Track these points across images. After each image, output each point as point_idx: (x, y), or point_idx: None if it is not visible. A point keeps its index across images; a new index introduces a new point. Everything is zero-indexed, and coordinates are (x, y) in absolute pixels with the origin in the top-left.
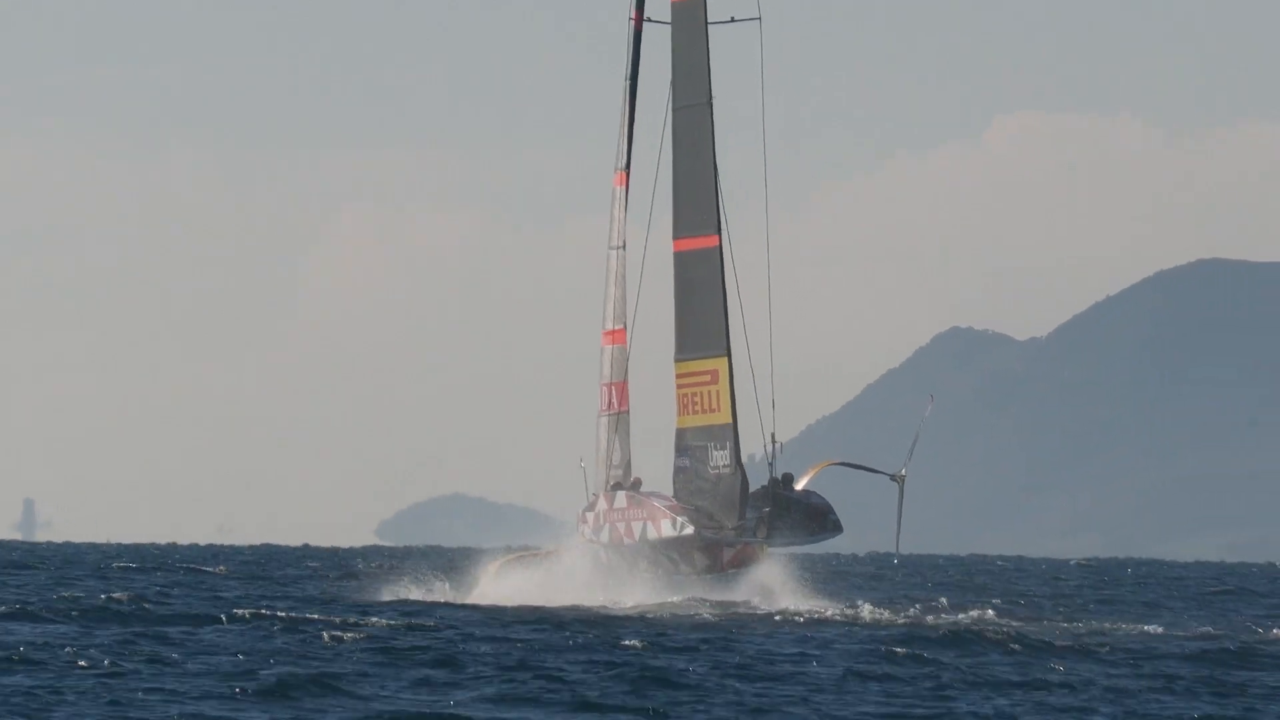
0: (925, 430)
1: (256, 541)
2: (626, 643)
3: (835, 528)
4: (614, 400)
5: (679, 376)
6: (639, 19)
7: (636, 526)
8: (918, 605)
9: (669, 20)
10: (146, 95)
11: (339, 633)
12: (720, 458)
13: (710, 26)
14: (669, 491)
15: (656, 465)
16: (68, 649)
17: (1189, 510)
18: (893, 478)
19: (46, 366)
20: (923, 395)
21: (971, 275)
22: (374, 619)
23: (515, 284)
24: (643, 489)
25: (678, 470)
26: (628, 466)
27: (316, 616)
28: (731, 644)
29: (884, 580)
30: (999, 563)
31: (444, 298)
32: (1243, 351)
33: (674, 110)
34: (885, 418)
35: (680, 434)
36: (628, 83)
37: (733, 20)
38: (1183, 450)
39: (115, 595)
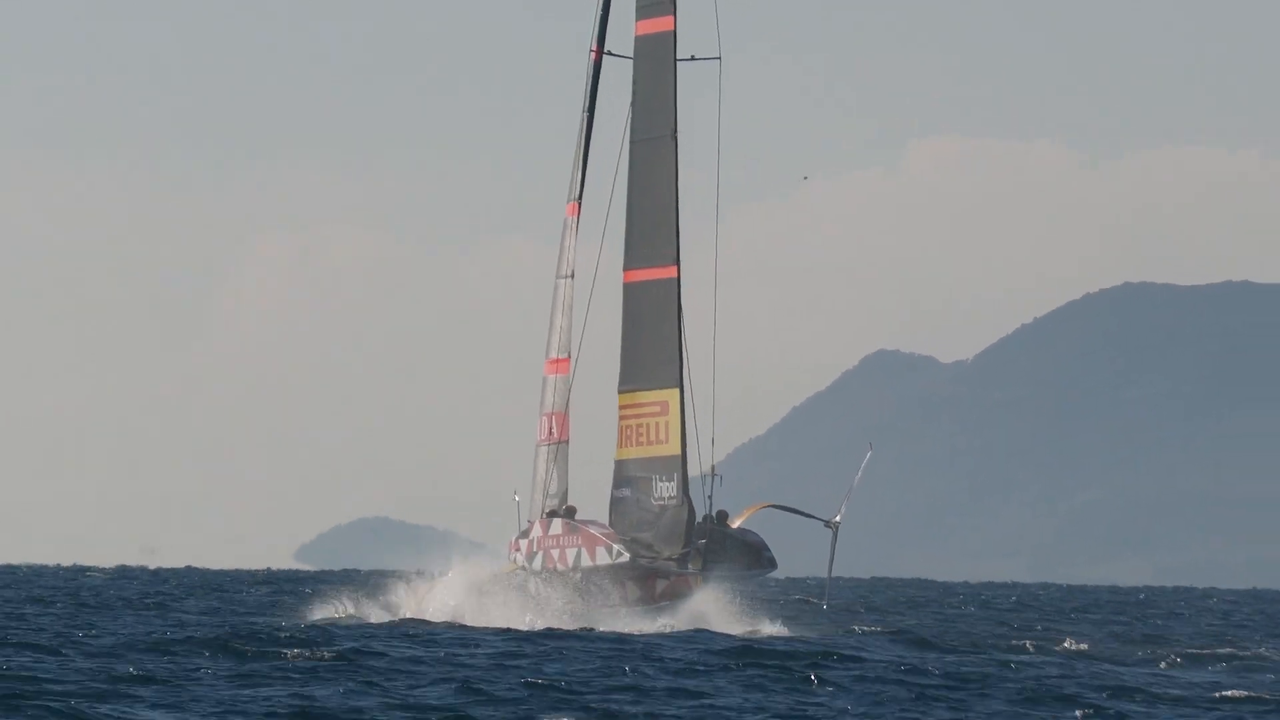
0: (863, 479)
1: (179, 565)
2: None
3: (769, 564)
4: (554, 430)
5: (623, 407)
6: (599, 52)
7: (571, 553)
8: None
9: (630, 54)
10: (59, 114)
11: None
12: (666, 489)
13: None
14: (605, 521)
15: (591, 494)
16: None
17: (1116, 533)
18: (827, 524)
19: None
20: (849, 418)
21: (897, 299)
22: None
23: (429, 307)
24: (577, 517)
25: (616, 501)
26: (564, 496)
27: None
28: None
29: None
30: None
31: (360, 321)
32: (1168, 374)
33: (632, 142)
34: (812, 441)
35: (621, 465)
36: (585, 114)
37: (693, 59)
38: (1109, 472)
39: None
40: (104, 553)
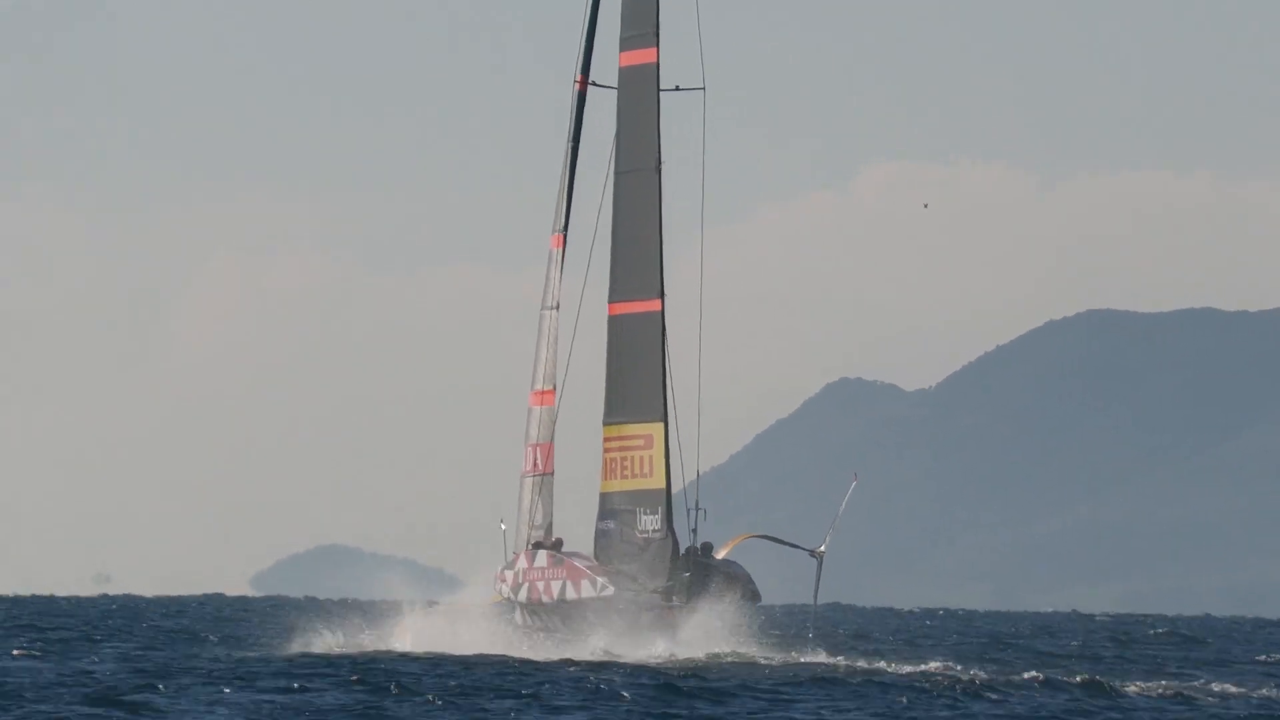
0: (847, 509)
1: (134, 591)
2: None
3: (753, 597)
4: (539, 461)
5: (607, 440)
6: (584, 82)
7: (556, 585)
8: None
9: (614, 85)
10: (4, 136)
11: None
12: (650, 522)
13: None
14: (589, 553)
15: (575, 526)
16: None
17: (1080, 560)
18: (812, 554)
19: None
20: (813, 445)
21: (857, 326)
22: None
23: (386, 335)
24: (564, 549)
25: (600, 533)
26: (549, 527)
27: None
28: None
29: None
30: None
31: (312, 347)
32: (1133, 402)
33: (616, 174)
34: (775, 467)
35: (606, 497)
36: (569, 144)
37: (678, 89)
38: (1074, 501)
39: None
40: (54, 580)
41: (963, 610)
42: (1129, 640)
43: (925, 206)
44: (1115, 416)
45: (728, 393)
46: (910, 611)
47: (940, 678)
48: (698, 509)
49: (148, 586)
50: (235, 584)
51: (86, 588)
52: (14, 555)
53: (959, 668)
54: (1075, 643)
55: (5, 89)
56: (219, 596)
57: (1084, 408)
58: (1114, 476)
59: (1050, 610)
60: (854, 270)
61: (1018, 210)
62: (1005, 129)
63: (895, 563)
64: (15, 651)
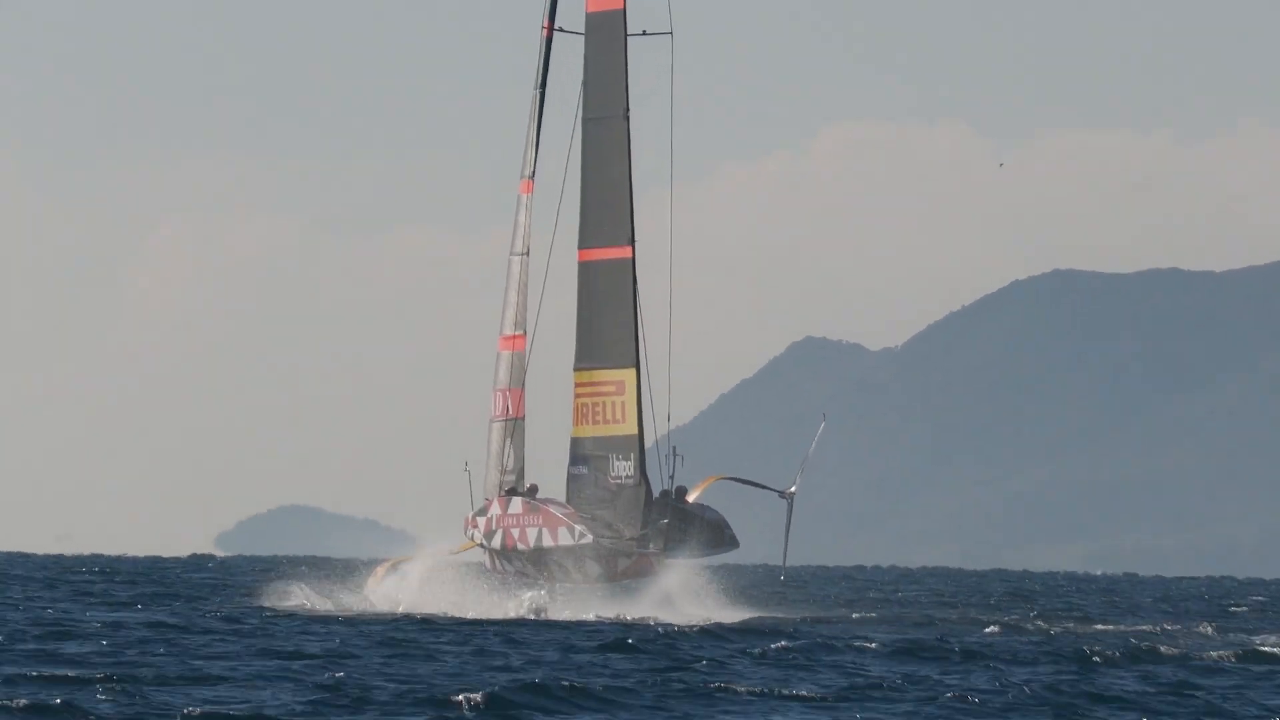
0: (817, 450)
1: (98, 551)
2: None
3: (731, 542)
4: (509, 406)
5: (579, 385)
6: (550, 28)
7: (532, 533)
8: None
9: (582, 31)
10: None
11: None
12: (623, 468)
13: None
14: (562, 499)
15: (547, 472)
16: None
17: (1047, 519)
18: (781, 494)
19: None
20: (778, 405)
21: (822, 286)
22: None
23: (344, 294)
24: (538, 496)
25: (572, 478)
26: (521, 473)
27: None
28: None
29: (787, 591)
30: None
31: (273, 307)
32: (1100, 361)
33: (584, 121)
34: (741, 426)
35: (577, 442)
36: (537, 91)
37: (645, 34)
38: (1042, 459)
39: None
40: (16, 539)
41: (942, 568)
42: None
43: (1001, 165)
44: (1081, 376)
45: (692, 352)
46: (877, 567)
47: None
48: (674, 454)
49: (109, 546)
50: (200, 544)
51: (48, 546)
52: None
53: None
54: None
55: None
56: (209, 557)
57: (1049, 367)
58: (1079, 435)
59: (1021, 570)
60: (817, 230)
61: (978, 171)
62: (966, 90)
63: (861, 522)
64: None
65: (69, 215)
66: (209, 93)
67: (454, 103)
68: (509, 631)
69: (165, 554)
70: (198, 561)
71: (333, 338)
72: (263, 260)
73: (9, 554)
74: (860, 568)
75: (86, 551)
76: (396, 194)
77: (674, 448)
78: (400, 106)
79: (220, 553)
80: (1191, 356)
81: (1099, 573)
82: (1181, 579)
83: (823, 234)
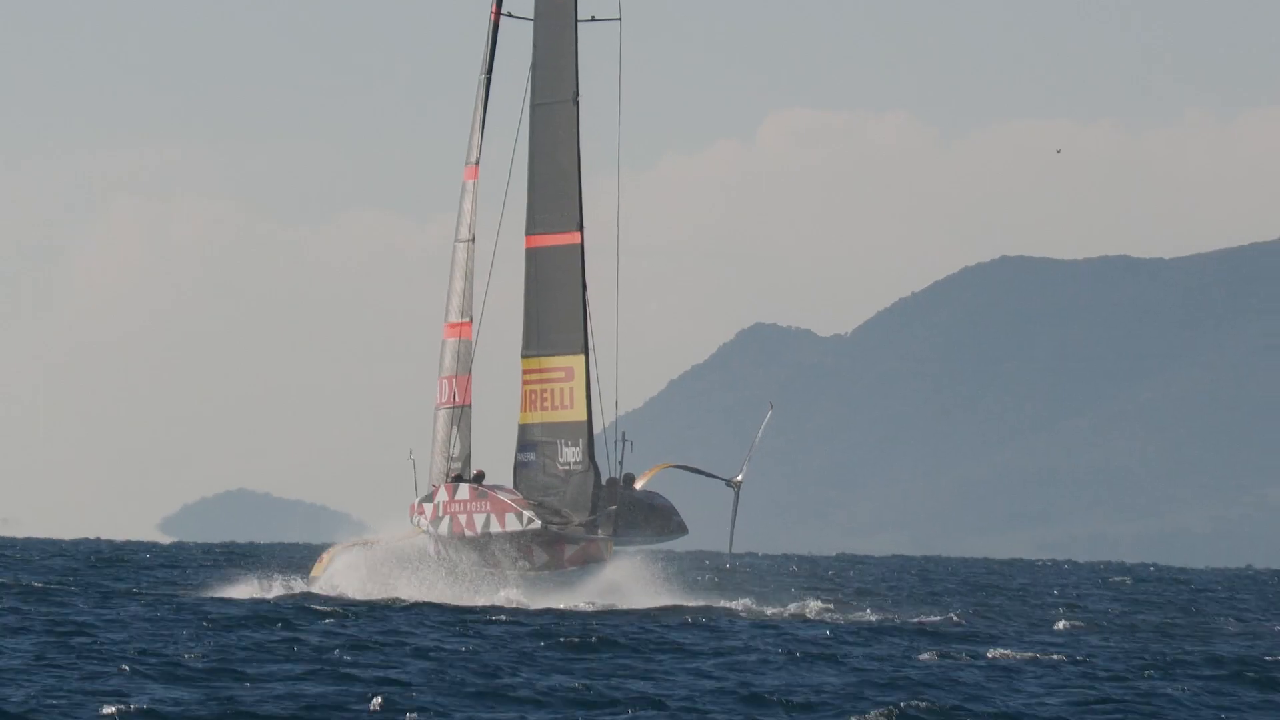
0: (764, 438)
1: (36, 535)
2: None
3: (679, 529)
4: (455, 393)
5: (526, 372)
6: (498, 13)
7: (479, 519)
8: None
9: (530, 16)
10: None
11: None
12: (571, 454)
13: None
14: (510, 485)
15: (495, 459)
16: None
17: (995, 508)
18: (728, 483)
19: None
20: (727, 391)
21: (770, 273)
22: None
23: (290, 277)
24: (485, 482)
25: (520, 465)
26: (468, 460)
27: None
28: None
29: (728, 578)
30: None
31: (221, 291)
32: (1050, 348)
33: (533, 106)
34: (689, 412)
35: (525, 429)
36: (484, 77)
37: (593, 19)
38: (991, 447)
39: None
40: None
41: (894, 556)
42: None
43: (1058, 152)
44: (1031, 363)
45: (642, 338)
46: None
47: None
48: (623, 440)
49: (52, 530)
50: (143, 530)
51: None
52: None
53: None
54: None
55: None
56: (151, 544)
57: (1000, 354)
58: (1029, 423)
59: (981, 556)
60: (763, 218)
61: (924, 158)
62: (908, 77)
63: (809, 510)
64: None
65: (11, 193)
66: (156, 74)
67: (403, 88)
68: (467, 618)
69: (104, 538)
70: (136, 548)
71: (281, 324)
72: (208, 244)
73: None
74: (808, 556)
75: (22, 535)
76: (344, 179)
77: (623, 434)
78: (348, 91)
79: (165, 538)
80: (1143, 343)
81: (1044, 560)
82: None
83: (771, 221)
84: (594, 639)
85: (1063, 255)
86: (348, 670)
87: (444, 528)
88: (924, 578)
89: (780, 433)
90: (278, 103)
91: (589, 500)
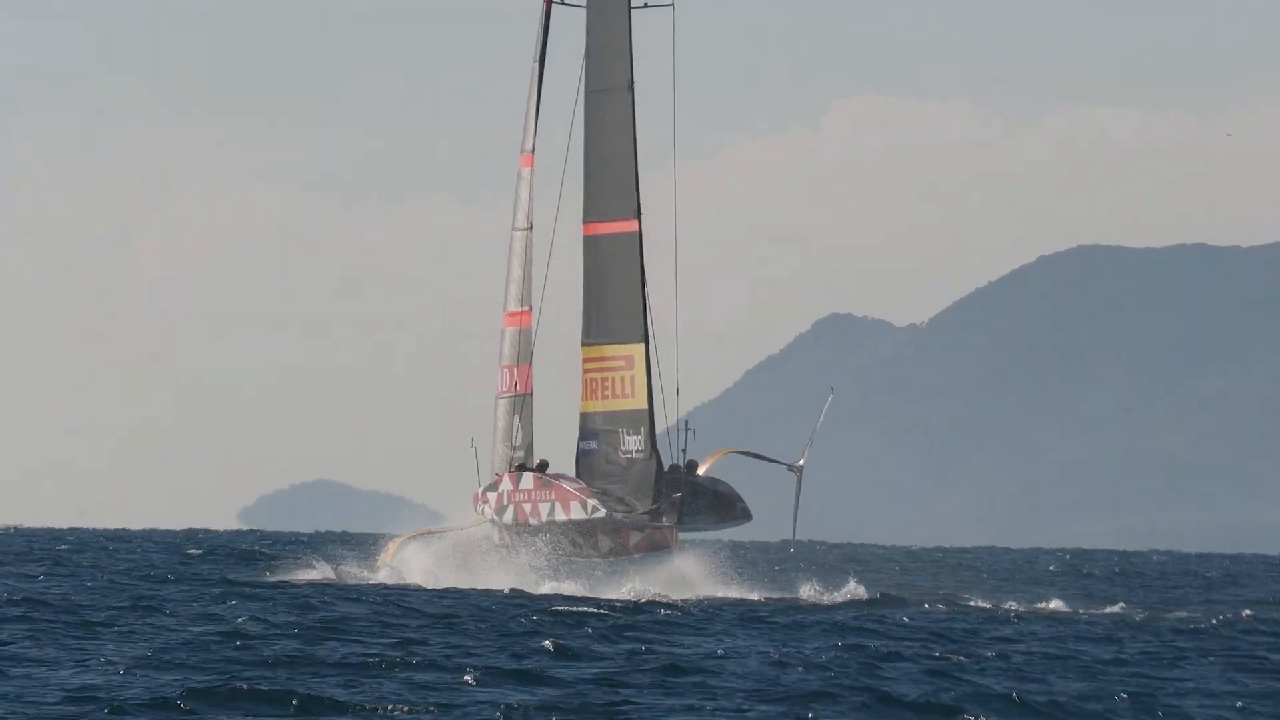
0: (826, 422)
1: (115, 526)
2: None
3: (744, 515)
4: (516, 382)
5: (587, 360)
6: (549, 1)
7: (544, 508)
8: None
9: (582, 3)
10: None
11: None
12: (634, 442)
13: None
14: (572, 474)
15: (556, 448)
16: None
17: (1075, 497)
18: (790, 468)
19: None
20: (804, 381)
21: (846, 263)
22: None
23: (359, 266)
24: (549, 471)
25: (582, 454)
26: (530, 449)
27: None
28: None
29: (791, 567)
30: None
31: (293, 282)
32: (1127, 337)
33: (587, 93)
34: (766, 404)
35: (586, 418)
36: (536, 65)
37: (646, 5)
38: (1065, 437)
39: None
40: (37, 513)
41: (980, 547)
42: None
43: (1229, 135)
44: (1109, 352)
45: (718, 329)
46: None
47: None
48: (687, 428)
49: (128, 521)
50: (222, 520)
51: (69, 520)
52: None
53: None
54: None
55: None
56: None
57: (1077, 343)
58: (1106, 412)
59: (1056, 547)
60: (833, 207)
61: (993, 146)
62: (975, 64)
63: (889, 501)
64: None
65: (85, 177)
66: (227, 61)
67: (460, 77)
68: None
69: (179, 528)
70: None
71: (351, 313)
72: (275, 234)
73: (33, 530)
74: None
75: (101, 526)
76: (410, 168)
77: (685, 422)
78: (409, 81)
79: (242, 527)
80: (1220, 332)
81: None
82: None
83: (842, 211)
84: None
85: (1139, 244)
86: (430, 657)
87: (508, 516)
88: (1128, 573)
89: (856, 422)
90: (342, 94)
91: (652, 488)
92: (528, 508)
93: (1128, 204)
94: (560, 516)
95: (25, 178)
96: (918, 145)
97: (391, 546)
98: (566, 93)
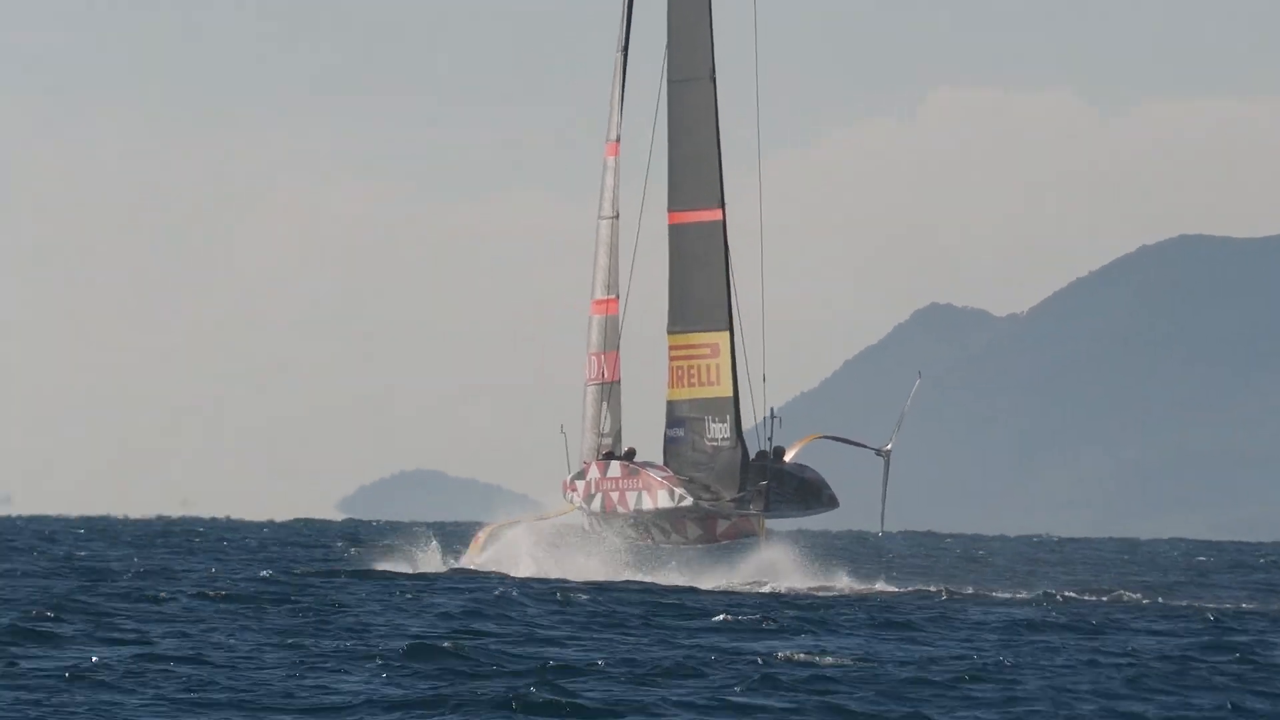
0: (913, 407)
1: (220, 515)
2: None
3: (831, 502)
4: (604, 370)
5: (673, 348)
6: None
7: (631, 496)
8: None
9: None
10: (71, 64)
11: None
12: (719, 430)
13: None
14: (659, 462)
15: (643, 435)
16: None
17: (1173, 488)
18: (878, 452)
19: None
20: (903, 371)
21: (944, 252)
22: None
23: (452, 259)
24: (636, 459)
25: (669, 441)
26: (618, 436)
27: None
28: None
29: (884, 557)
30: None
31: (386, 273)
32: (1229, 328)
33: (670, 83)
34: (866, 394)
35: (673, 405)
36: (620, 54)
37: None
38: (1166, 427)
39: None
40: (139, 504)
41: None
42: None
43: None
44: (1210, 342)
45: (817, 318)
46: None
47: None
48: (773, 416)
49: (233, 510)
50: (322, 509)
51: (173, 510)
52: (95, 478)
53: None
54: None
55: (71, 10)
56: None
57: (1177, 334)
58: (1208, 403)
59: (1160, 537)
60: (933, 197)
61: (1089, 135)
62: (1069, 53)
63: (988, 490)
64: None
65: (185, 171)
66: (317, 59)
67: (547, 68)
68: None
69: (279, 519)
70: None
71: (442, 304)
72: (364, 226)
73: (140, 519)
74: (1001, 536)
75: (207, 515)
76: (499, 159)
77: (772, 409)
78: (494, 71)
79: (340, 517)
80: None
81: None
82: None
83: (939, 201)
84: None
85: (1241, 233)
86: (541, 646)
87: (596, 504)
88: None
89: (954, 412)
90: (428, 88)
91: (738, 475)
92: (615, 496)
93: (1230, 193)
94: (647, 505)
95: (138, 165)
96: (1013, 134)
97: (481, 536)
98: (653, 82)
